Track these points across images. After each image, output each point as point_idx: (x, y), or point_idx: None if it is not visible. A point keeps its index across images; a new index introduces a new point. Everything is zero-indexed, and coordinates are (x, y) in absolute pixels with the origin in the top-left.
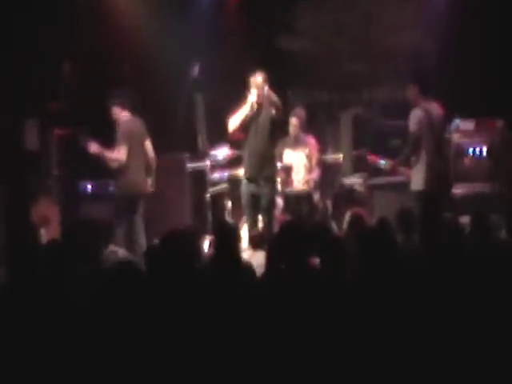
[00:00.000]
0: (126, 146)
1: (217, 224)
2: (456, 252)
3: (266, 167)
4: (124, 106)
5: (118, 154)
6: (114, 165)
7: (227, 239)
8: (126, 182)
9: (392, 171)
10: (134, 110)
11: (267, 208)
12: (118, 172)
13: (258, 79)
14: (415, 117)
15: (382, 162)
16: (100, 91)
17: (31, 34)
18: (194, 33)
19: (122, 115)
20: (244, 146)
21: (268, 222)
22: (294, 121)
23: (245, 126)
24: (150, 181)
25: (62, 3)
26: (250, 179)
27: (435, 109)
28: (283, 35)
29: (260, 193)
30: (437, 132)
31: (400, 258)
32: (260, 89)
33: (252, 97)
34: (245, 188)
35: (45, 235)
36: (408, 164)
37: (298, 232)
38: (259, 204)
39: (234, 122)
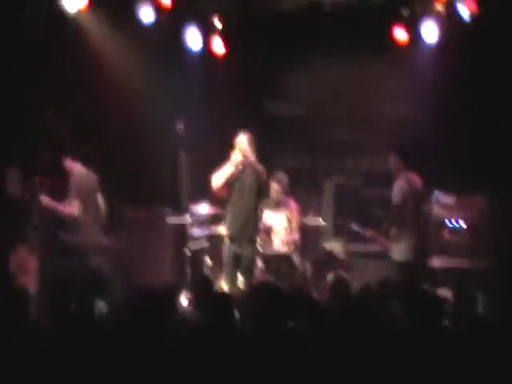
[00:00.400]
0: (78, 200)
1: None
2: (435, 323)
3: (249, 228)
4: (76, 159)
5: (70, 208)
6: (67, 217)
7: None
8: (78, 237)
9: (372, 241)
10: (87, 163)
11: (248, 268)
12: (69, 226)
13: (243, 139)
14: (399, 188)
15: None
16: (86, 142)
17: (19, 84)
18: (182, 89)
19: (74, 168)
20: (227, 205)
21: (248, 282)
22: (274, 185)
23: (229, 184)
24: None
25: (50, 53)
26: (232, 239)
27: (416, 180)
28: (271, 98)
29: (242, 253)
30: (419, 203)
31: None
32: (245, 149)
33: (236, 155)
34: (227, 247)
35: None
36: (387, 234)
37: (271, 293)
38: (240, 264)
39: (218, 178)
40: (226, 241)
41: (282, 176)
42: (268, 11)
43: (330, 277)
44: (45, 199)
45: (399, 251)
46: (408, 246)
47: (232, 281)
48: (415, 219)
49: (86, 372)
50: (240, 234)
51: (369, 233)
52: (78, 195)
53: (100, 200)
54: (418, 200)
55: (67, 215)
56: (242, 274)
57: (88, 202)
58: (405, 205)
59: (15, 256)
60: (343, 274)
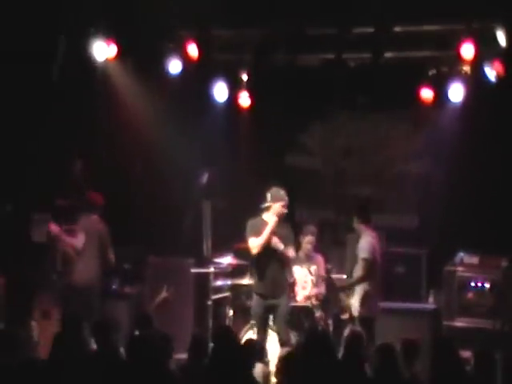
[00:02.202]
0: (85, 234)
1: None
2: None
3: (282, 282)
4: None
5: (76, 240)
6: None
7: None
8: (75, 274)
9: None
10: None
11: (284, 318)
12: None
13: (282, 193)
14: (366, 244)
15: None
16: (110, 189)
17: (47, 132)
18: (206, 141)
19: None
20: (256, 261)
21: (284, 332)
22: (309, 239)
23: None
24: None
25: (79, 103)
26: (265, 296)
27: (378, 238)
28: (294, 152)
29: (278, 304)
30: (383, 261)
31: None
32: (282, 201)
33: (273, 216)
34: (258, 303)
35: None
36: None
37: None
38: (274, 315)
39: (259, 242)
40: (257, 297)
41: (314, 229)
42: (293, 66)
43: (347, 331)
44: (54, 228)
45: (365, 306)
46: (374, 303)
47: (263, 334)
48: (380, 276)
49: None
50: (273, 289)
51: (338, 283)
52: (85, 233)
53: (111, 255)
54: (382, 258)
55: (73, 247)
56: (277, 324)
57: (92, 245)
58: (374, 260)
59: (39, 302)
60: (359, 329)
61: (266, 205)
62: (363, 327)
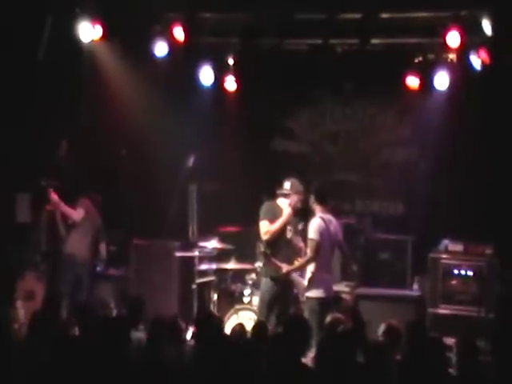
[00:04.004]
0: (84, 212)
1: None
2: (438, 370)
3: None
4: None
5: (75, 212)
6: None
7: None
8: (68, 248)
9: (286, 275)
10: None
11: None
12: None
13: (301, 188)
14: (315, 225)
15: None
16: (95, 172)
17: (32, 112)
18: (192, 124)
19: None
20: (275, 247)
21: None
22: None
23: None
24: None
25: (64, 84)
26: (277, 279)
27: (333, 222)
28: (280, 136)
29: (287, 293)
30: (333, 245)
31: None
32: (301, 195)
33: (288, 207)
34: (271, 286)
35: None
36: (302, 269)
37: None
38: (278, 301)
39: (271, 229)
40: (268, 281)
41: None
42: (280, 51)
43: (328, 318)
44: (54, 196)
45: (318, 289)
46: (322, 285)
47: (267, 317)
48: (330, 259)
49: None
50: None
51: (285, 268)
52: (85, 209)
53: (103, 247)
54: (333, 242)
55: (70, 217)
56: (285, 311)
57: (89, 227)
58: (322, 242)
59: (23, 282)
60: (342, 316)
61: (285, 192)
62: (315, 310)
